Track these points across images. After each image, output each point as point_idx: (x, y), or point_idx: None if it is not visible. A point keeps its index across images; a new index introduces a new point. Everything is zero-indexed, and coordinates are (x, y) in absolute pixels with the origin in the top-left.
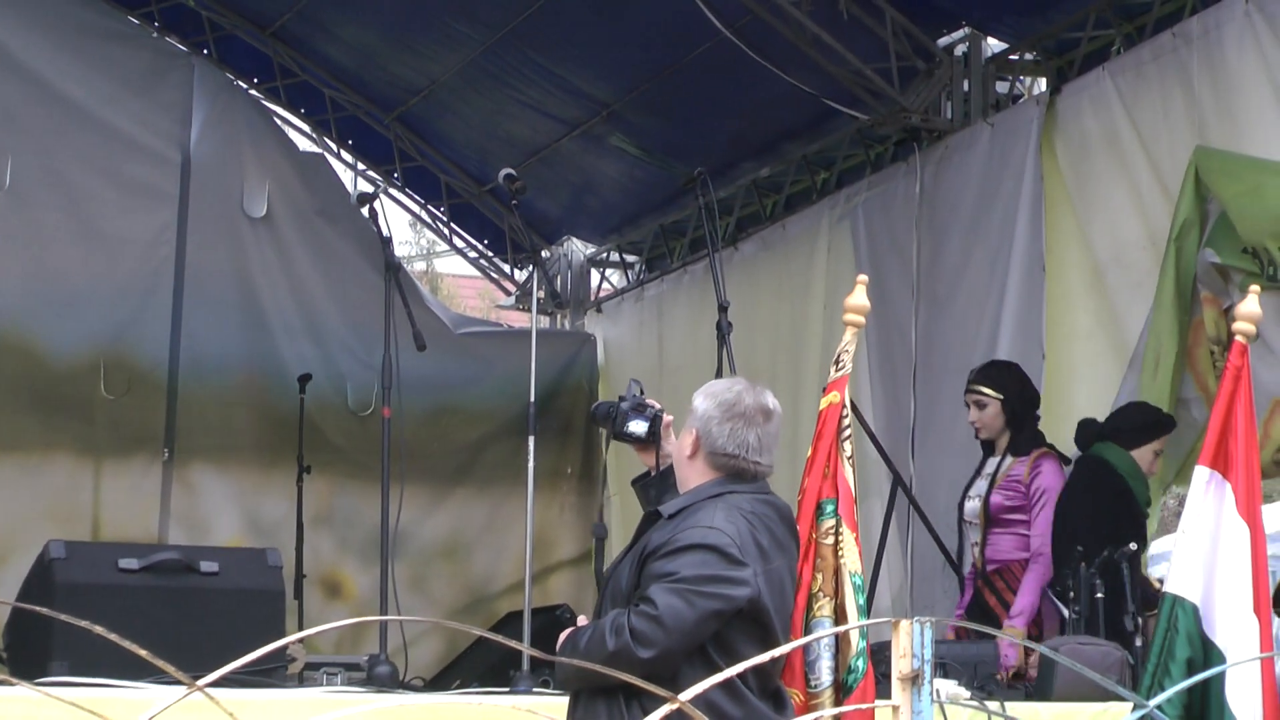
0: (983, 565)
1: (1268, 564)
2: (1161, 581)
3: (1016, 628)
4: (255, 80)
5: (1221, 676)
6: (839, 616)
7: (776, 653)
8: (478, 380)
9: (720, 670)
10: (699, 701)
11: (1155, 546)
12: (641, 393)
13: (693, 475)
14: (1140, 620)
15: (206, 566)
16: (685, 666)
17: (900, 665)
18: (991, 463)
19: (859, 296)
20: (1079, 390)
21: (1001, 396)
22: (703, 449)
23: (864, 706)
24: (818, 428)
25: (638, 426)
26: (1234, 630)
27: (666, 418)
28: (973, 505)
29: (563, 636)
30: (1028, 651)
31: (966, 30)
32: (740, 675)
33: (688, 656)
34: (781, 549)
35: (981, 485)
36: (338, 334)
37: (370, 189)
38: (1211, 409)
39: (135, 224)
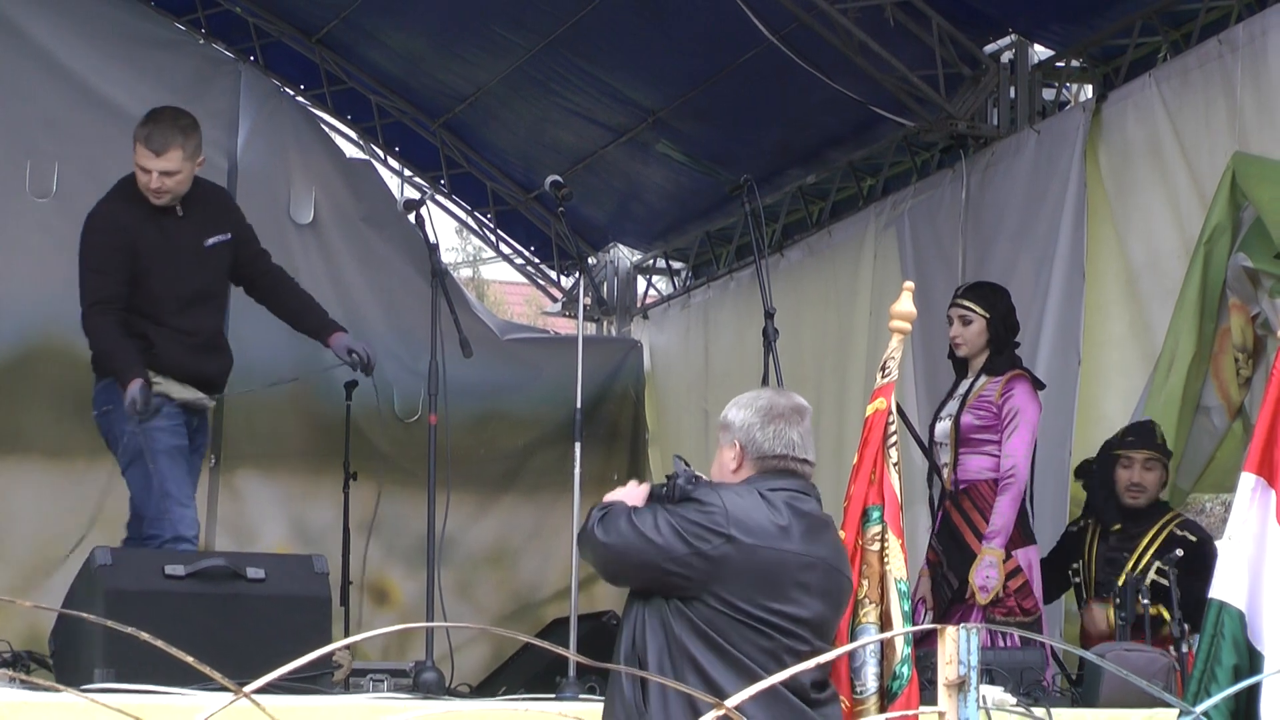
0: (953, 486)
1: None
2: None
3: (995, 548)
4: (302, 87)
5: (1260, 685)
6: (884, 623)
7: (825, 658)
8: (524, 387)
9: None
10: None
11: None
12: (688, 465)
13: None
14: (1184, 628)
15: (253, 573)
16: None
17: (946, 672)
18: (964, 384)
19: (905, 303)
20: (1110, 397)
21: (988, 315)
22: (749, 457)
23: (910, 713)
24: (864, 434)
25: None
26: (1275, 638)
27: None
28: (943, 426)
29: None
30: (1008, 575)
31: (1013, 37)
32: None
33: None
34: (822, 545)
35: (953, 406)
36: (384, 340)
37: (417, 195)
38: (1231, 417)
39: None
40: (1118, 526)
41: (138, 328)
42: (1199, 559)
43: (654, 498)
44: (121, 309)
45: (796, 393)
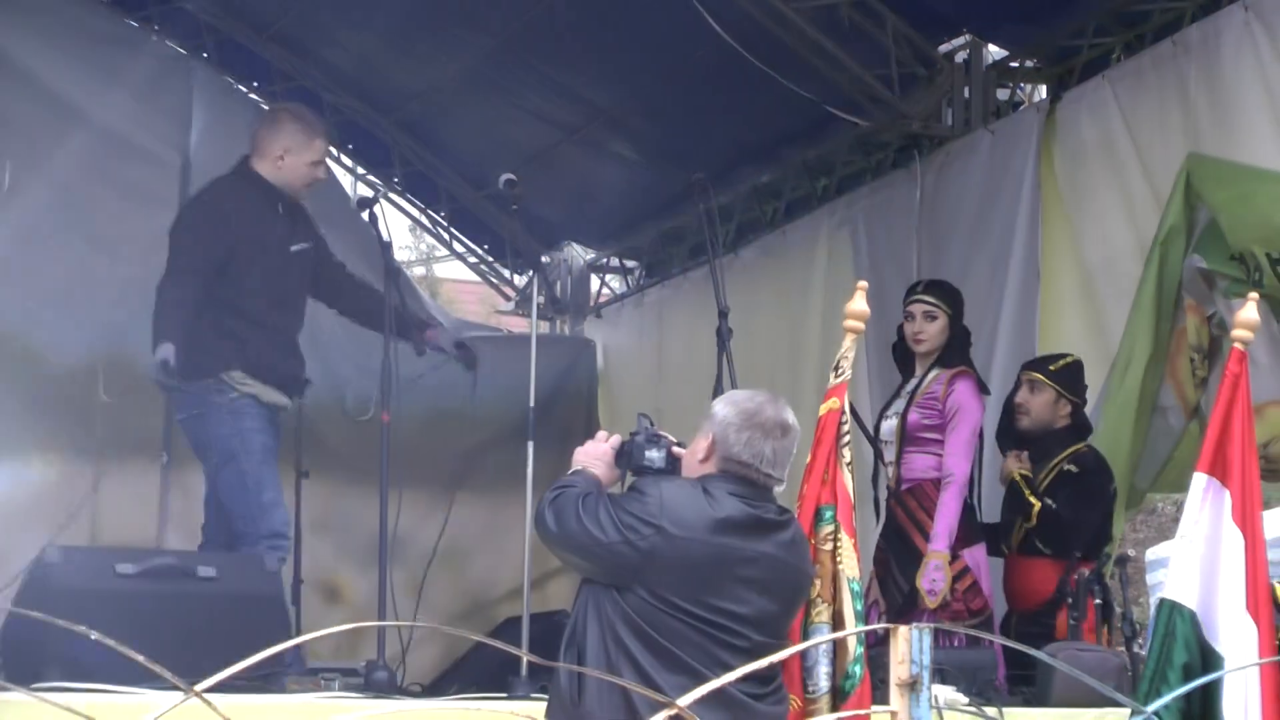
0: (897, 484)
1: (1268, 569)
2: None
3: (940, 550)
4: (255, 84)
5: (1220, 682)
6: (836, 622)
7: (775, 658)
8: (477, 385)
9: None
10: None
11: (1153, 553)
12: (652, 424)
13: (698, 473)
14: (1135, 626)
15: (204, 571)
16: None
17: (898, 671)
18: (911, 382)
19: (859, 303)
20: None
21: (951, 313)
22: (717, 453)
23: (862, 713)
24: (816, 434)
25: (656, 457)
26: (1233, 636)
27: (677, 450)
28: (890, 424)
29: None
30: (956, 577)
31: (967, 37)
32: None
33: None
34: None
35: (900, 404)
36: (336, 338)
37: (370, 194)
38: (1188, 417)
39: (134, 227)
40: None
41: (230, 327)
42: (1080, 490)
43: (622, 453)
44: (198, 287)
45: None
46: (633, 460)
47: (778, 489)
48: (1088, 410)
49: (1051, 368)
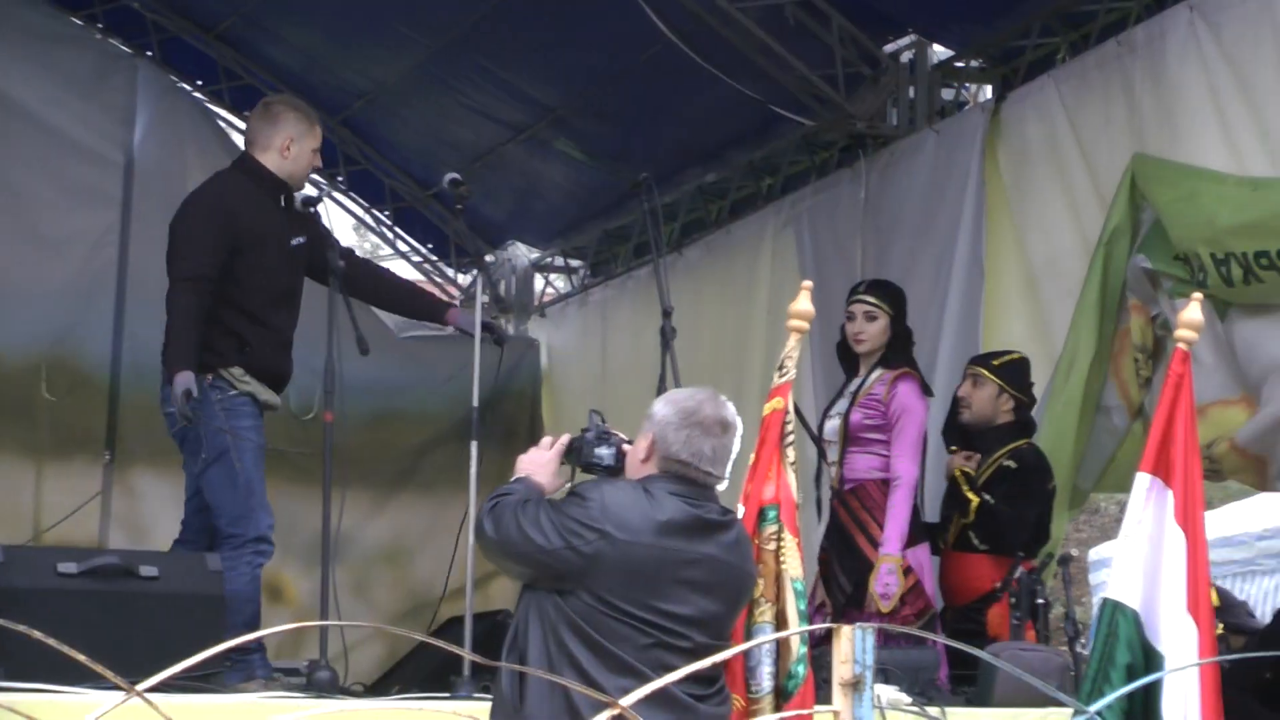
0: (840, 484)
1: (1209, 569)
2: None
3: (891, 554)
4: (199, 83)
5: (1160, 683)
6: (780, 622)
7: (719, 658)
8: (420, 385)
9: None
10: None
11: (1096, 553)
12: (603, 421)
13: (640, 473)
14: (1078, 626)
15: (146, 571)
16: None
17: (841, 671)
18: (854, 382)
19: (803, 302)
20: None
21: (892, 313)
22: (657, 453)
23: (805, 712)
24: (760, 433)
25: (605, 454)
26: (1173, 636)
27: (627, 448)
28: (833, 424)
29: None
30: (907, 578)
31: (913, 37)
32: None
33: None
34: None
35: (842, 404)
36: None
37: (314, 192)
38: (1132, 417)
39: (78, 225)
40: (954, 448)
41: (231, 324)
42: (1018, 486)
43: (571, 449)
44: (210, 293)
45: (729, 401)
46: (582, 457)
47: (720, 487)
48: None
49: (995, 363)
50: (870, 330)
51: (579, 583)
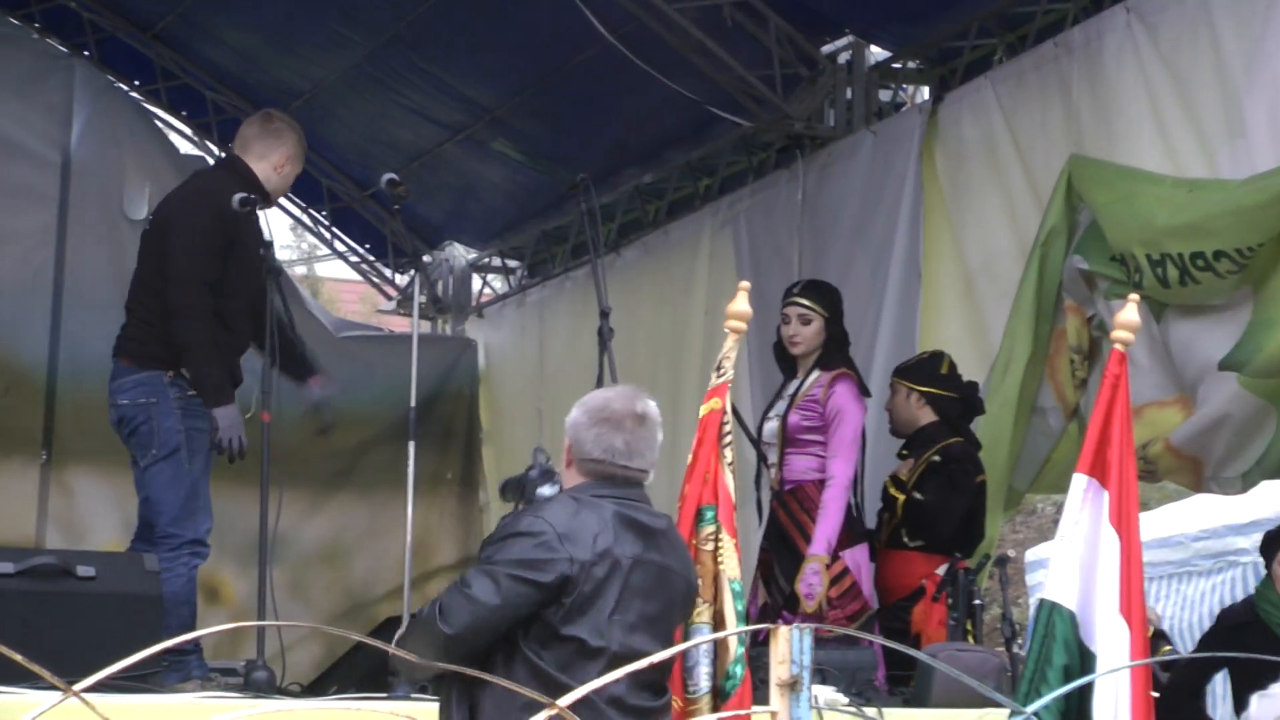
0: (780, 485)
1: (1142, 571)
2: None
3: (818, 554)
4: (136, 83)
5: (1092, 683)
6: (718, 623)
7: (656, 659)
8: (358, 385)
9: (534, 660)
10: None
11: (1033, 553)
12: (548, 460)
13: (569, 483)
14: (1015, 627)
15: (83, 571)
16: (501, 658)
17: (779, 672)
18: (792, 384)
19: (741, 303)
20: None
21: (826, 315)
22: (574, 457)
23: (742, 713)
24: (698, 434)
25: (548, 493)
26: (1106, 638)
27: None
28: (771, 426)
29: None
30: (833, 580)
31: (850, 38)
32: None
33: (506, 648)
34: (650, 544)
35: (781, 405)
36: None
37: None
38: (1067, 418)
39: (15, 225)
40: (905, 452)
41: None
42: (943, 479)
43: (512, 485)
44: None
45: (645, 394)
46: (525, 494)
47: (647, 481)
48: None
49: (902, 367)
50: (805, 333)
51: (543, 608)
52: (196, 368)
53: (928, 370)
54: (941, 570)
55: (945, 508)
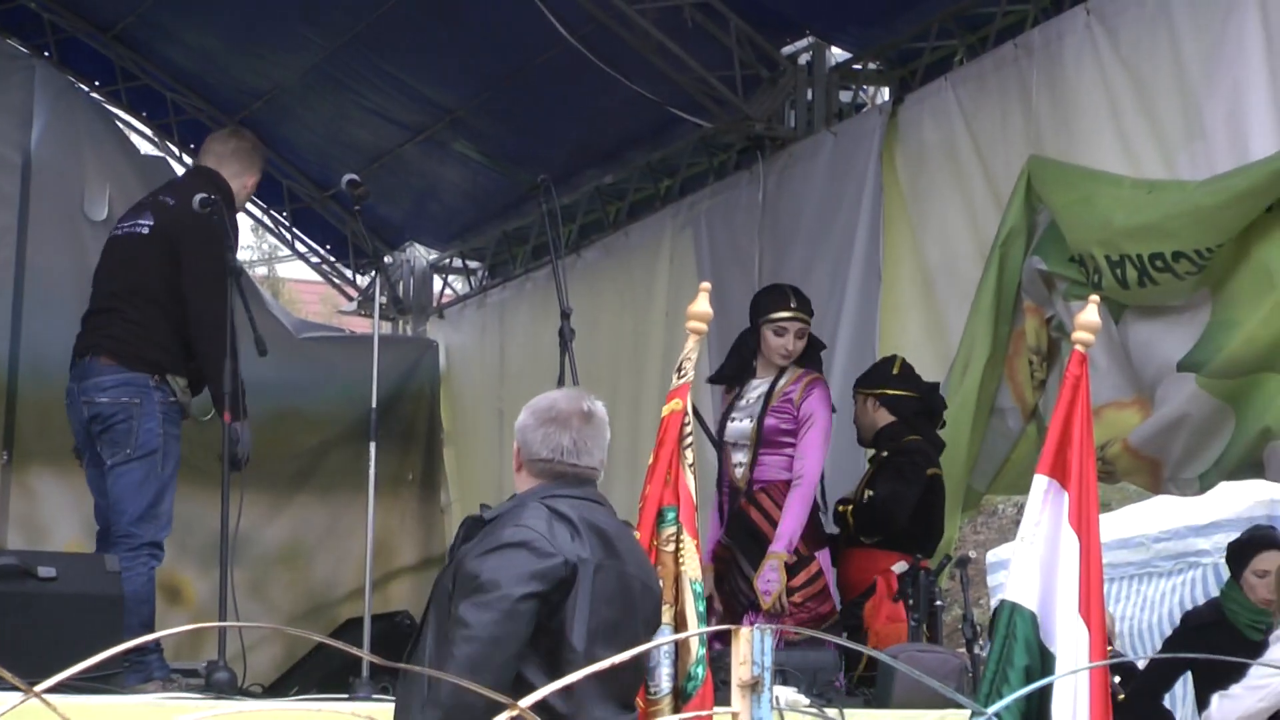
0: (748, 485)
1: (1102, 572)
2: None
3: (779, 552)
4: (97, 83)
5: (1051, 685)
6: (679, 623)
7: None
8: (319, 385)
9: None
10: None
11: (994, 554)
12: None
13: (520, 486)
14: (976, 628)
15: (44, 572)
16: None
17: (740, 672)
18: (756, 384)
19: (701, 304)
20: None
21: (808, 321)
22: (524, 460)
23: (704, 714)
24: (659, 435)
25: None
26: (1066, 639)
27: None
28: (740, 427)
29: None
30: (809, 579)
31: (810, 39)
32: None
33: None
34: (610, 550)
35: (754, 407)
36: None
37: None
38: (1026, 419)
39: None
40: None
41: (185, 333)
42: (892, 471)
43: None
44: None
45: (592, 394)
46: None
47: (598, 479)
48: None
49: (860, 376)
50: (800, 346)
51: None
52: (222, 381)
53: (880, 374)
54: (898, 568)
55: (895, 498)
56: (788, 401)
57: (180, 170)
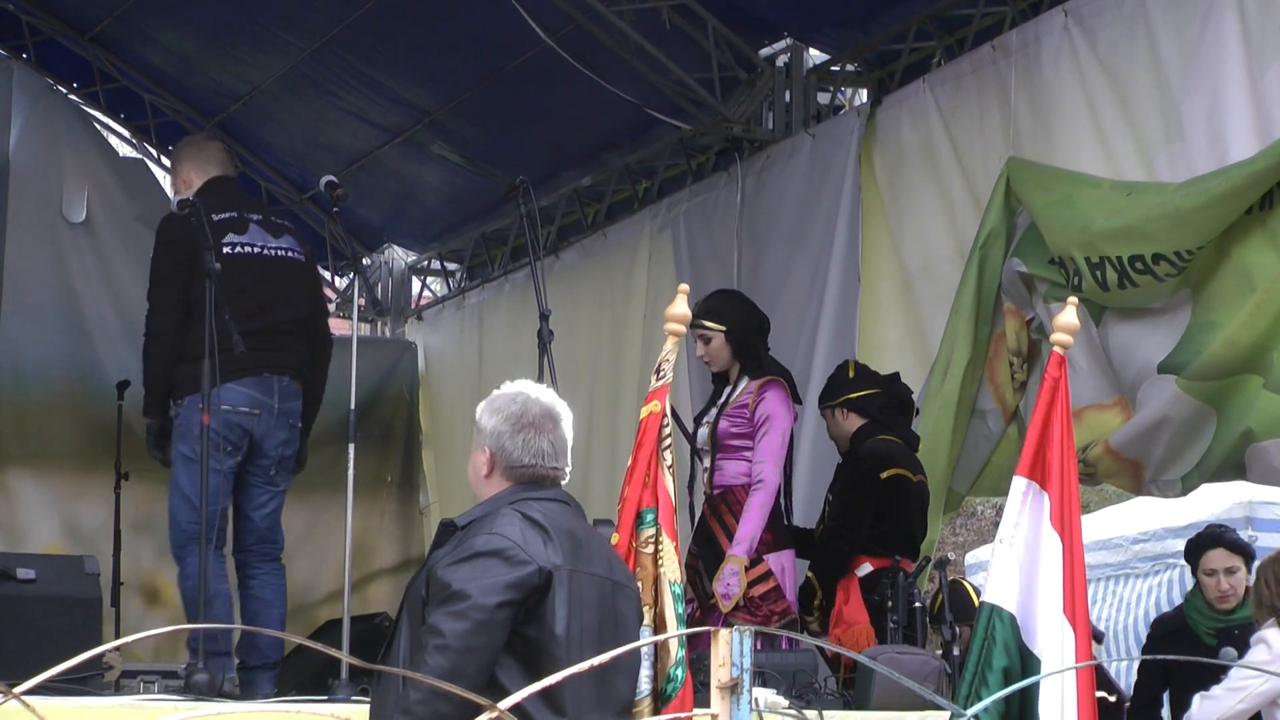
0: (710, 489)
1: (1085, 573)
2: (979, 591)
3: (738, 555)
4: (75, 85)
5: (1036, 686)
6: (658, 625)
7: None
8: None
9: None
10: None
11: (973, 556)
12: None
13: (489, 490)
14: (957, 630)
15: (23, 574)
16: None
17: (719, 674)
18: (725, 392)
19: (680, 306)
20: None
21: (725, 328)
22: (499, 465)
23: (683, 715)
24: (638, 436)
25: None
26: (1050, 640)
27: None
28: (703, 431)
29: None
30: (755, 580)
31: (788, 41)
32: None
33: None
34: (581, 553)
35: (713, 413)
36: None
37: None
38: (1007, 421)
39: None
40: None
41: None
42: (842, 480)
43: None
44: None
45: (564, 394)
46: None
47: (564, 481)
48: None
49: (821, 394)
50: (711, 351)
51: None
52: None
53: (838, 383)
54: (862, 571)
55: (847, 506)
56: (742, 406)
57: (159, 173)
